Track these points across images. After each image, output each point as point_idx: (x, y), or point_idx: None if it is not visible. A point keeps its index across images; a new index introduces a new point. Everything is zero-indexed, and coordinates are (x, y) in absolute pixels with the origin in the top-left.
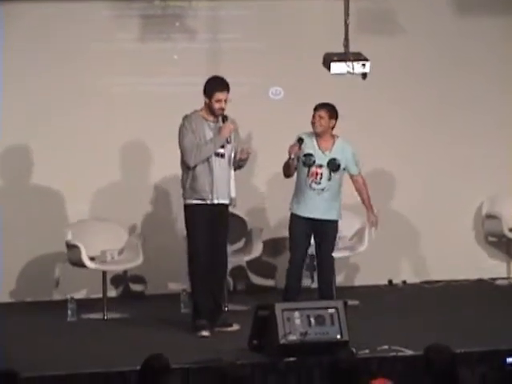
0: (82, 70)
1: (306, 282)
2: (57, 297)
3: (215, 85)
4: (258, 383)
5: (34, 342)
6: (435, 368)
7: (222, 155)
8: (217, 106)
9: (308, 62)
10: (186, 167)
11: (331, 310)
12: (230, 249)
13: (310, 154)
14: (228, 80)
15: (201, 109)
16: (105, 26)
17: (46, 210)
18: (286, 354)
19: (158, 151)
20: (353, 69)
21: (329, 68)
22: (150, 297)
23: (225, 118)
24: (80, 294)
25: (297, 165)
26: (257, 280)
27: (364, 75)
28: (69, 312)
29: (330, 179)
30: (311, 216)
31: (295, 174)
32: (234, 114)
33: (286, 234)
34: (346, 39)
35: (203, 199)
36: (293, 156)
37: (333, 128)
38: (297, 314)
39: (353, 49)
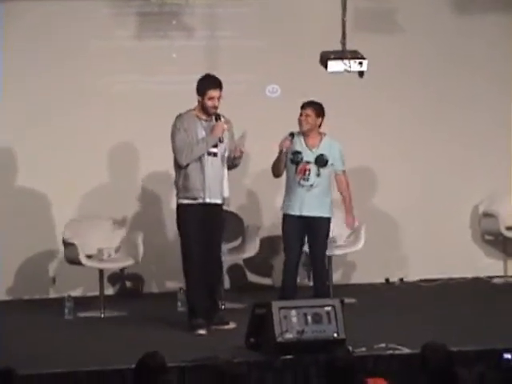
0: (82, 68)
1: (303, 280)
2: (54, 295)
3: (208, 83)
4: (254, 381)
5: (31, 340)
6: (431, 366)
7: (215, 154)
8: (210, 103)
9: (305, 59)
10: (178, 167)
11: (328, 308)
12: (227, 247)
13: (298, 152)
14: (225, 78)
15: (194, 108)
16: (103, 24)
17: (43, 208)
18: (282, 352)
19: (157, 149)
20: (350, 67)
21: (326, 66)
22: (146, 295)
23: (218, 117)
24: (77, 292)
25: (285, 163)
26: (254, 278)
27: (361, 73)
28: (66, 310)
29: (318, 175)
30: (303, 213)
31: (284, 174)
32: (231, 112)
33: None
34: (344, 37)
35: (195, 198)
36: (284, 150)
37: (320, 126)
38: (293, 312)
39: (350, 47)
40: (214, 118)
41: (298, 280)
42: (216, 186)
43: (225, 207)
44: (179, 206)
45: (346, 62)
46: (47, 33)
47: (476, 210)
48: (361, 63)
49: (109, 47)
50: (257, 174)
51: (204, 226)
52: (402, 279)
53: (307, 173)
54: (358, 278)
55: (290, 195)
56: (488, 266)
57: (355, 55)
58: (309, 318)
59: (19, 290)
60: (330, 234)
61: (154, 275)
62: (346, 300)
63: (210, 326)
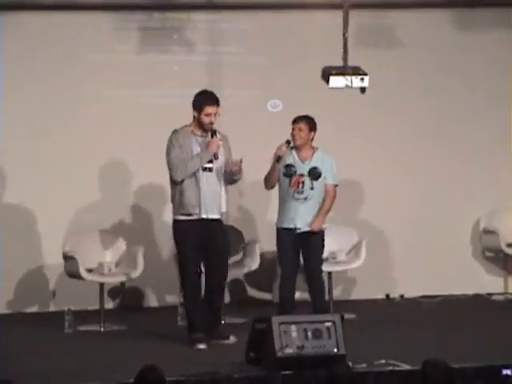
0: (81, 80)
1: (303, 294)
2: (54, 308)
3: (204, 99)
4: None
5: (31, 353)
6: (432, 383)
7: (210, 169)
8: (206, 120)
9: (307, 75)
10: (173, 183)
11: (328, 324)
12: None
13: (291, 165)
14: (226, 92)
15: (190, 123)
16: (104, 38)
17: (44, 220)
18: (282, 368)
19: (157, 162)
20: (351, 83)
21: (327, 81)
22: (147, 309)
23: (214, 133)
24: (77, 306)
25: (278, 177)
26: (254, 293)
27: (363, 89)
28: (66, 323)
29: (312, 188)
30: (297, 226)
31: (277, 187)
32: (233, 127)
33: None
34: (345, 53)
35: (190, 214)
36: (281, 154)
37: (312, 140)
38: (293, 327)
39: (352, 62)
40: (209, 133)
41: (298, 295)
42: (212, 201)
43: (225, 222)
44: (175, 222)
45: (348, 77)
46: (46, 43)
47: (477, 227)
48: (362, 79)
49: (109, 60)
50: (257, 187)
51: (202, 241)
52: (402, 295)
53: (301, 185)
54: (358, 294)
55: (283, 209)
56: (488, 282)
57: (357, 71)
58: (309, 333)
59: (19, 303)
60: (331, 249)
61: (154, 289)
62: (346, 316)
63: (210, 341)
